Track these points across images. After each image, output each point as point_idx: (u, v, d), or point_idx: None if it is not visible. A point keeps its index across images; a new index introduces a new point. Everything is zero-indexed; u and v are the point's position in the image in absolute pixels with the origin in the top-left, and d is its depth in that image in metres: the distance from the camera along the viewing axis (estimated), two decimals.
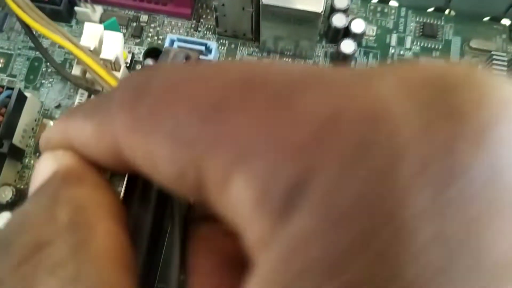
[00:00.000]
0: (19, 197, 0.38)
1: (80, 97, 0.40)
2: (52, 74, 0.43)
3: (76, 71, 0.39)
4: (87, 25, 0.39)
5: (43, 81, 0.43)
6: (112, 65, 0.38)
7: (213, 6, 0.40)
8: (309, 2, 0.36)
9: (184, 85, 0.12)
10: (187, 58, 0.34)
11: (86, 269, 0.12)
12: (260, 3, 0.37)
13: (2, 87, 0.38)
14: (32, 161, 0.41)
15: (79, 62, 0.38)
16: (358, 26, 0.41)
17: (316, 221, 0.09)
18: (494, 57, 0.40)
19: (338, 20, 0.41)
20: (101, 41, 0.38)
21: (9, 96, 0.38)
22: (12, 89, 0.38)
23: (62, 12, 0.43)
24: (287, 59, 0.44)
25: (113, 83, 0.35)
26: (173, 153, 0.11)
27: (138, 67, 0.43)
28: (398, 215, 0.08)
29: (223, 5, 0.39)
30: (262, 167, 0.10)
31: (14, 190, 0.37)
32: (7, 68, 0.44)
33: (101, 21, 0.45)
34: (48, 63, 0.43)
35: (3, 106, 0.37)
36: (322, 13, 0.37)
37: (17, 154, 0.39)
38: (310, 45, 0.42)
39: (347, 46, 0.41)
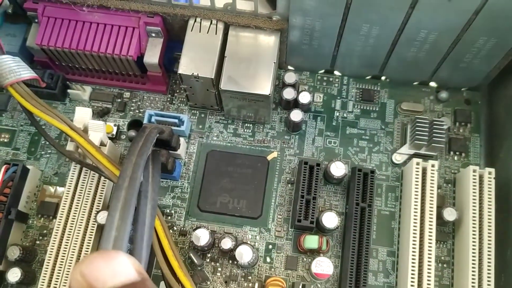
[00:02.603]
0: (25, 254, 0.45)
1: (74, 167, 0.47)
2: (50, 146, 0.51)
3: (70, 147, 0.47)
4: (78, 109, 0.47)
5: (42, 153, 0.51)
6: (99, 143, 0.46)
7: (182, 88, 0.48)
8: (259, 86, 0.44)
9: None
10: (161, 132, 0.42)
11: None
12: (219, 88, 0.45)
13: (9, 163, 0.46)
14: (35, 222, 0.48)
15: (73, 140, 0.46)
16: (304, 97, 0.49)
17: None
18: (417, 121, 0.48)
19: (288, 94, 0.49)
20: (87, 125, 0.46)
21: (15, 171, 0.46)
22: (17, 164, 0.46)
23: (57, 94, 0.51)
24: (249, 125, 0.51)
25: (101, 158, 0.42)
26: None
27: (123, 137, 0.51)
28: None
29: (190, 87, 0.47)
30: None
31: (21, 248, 0.45)
32: (12, 142, 0.51)
33: (90, 99, 0.53)
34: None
35: (10, 180, 0.45)
36: (271, 95, 0.45)
37: (22, 217, 0.47)
38: (267, 112, 0.50)
39: (296, 115, 0.49)
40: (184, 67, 0.45)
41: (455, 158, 0.50)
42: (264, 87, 0.44)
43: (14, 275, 0.44)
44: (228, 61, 0.45)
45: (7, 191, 0.45)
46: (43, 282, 0.43)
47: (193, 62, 0.45)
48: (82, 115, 0.47)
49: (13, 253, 0.45)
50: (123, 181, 0.34)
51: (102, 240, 0.29)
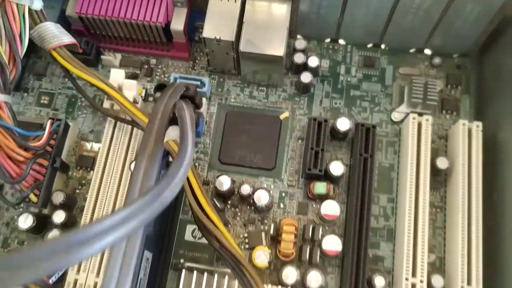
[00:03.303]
0: (68, 200, 0.51)
1: (108, 124, 0.53)
2: (86, 107, 0.57)
3: (106, 104, 0.52)
4: (112, 71, 0.53)
5: (79, 113, 0.57)
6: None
7: (205, 52, 0.54)
8: (273, 48, 0.50)
9: None
10: (187, 88, 0.48)
11: None
12: (239, 50, 0.51)
13: (53, 119, 0.51)
14: (74, 173, 0.54)
15: (108, 98, 0.52)
16: (313, 61, 0.55)
17: None
18: (413, 81, 0.54)
19: (298, 58, 0.55)
20: (122, 83, 0.52)
21: (58, 125, 0.52)
22: (60, 120, 0.52)
23: (91, 60, 0.57)
24: (263, 88, 0.57)
25: (136, 112, 0.48)
26: None
27: (150, 99, 0.57)
28: None
29: (212, 51, 0.53)
30: None
31: (64, 194, 0.51)
32: (51, 104, 0.57)
33: (120, 65, 0.59)
34: (83, 99, 0.57)
35: (54, 133, 0.51)
36: (283, 56, 0.51)
37: (64, 168, 0.53)
38: (279, 76, 0.56)
39: (305, 77, 0.54)
40: (208, 31, 0.50)
41: (447, 116, 0.56)
42: (278, 49, 0.50)
43: (59, 216, 0.50)
44: (246, 27, 0.51)
45: (52, 142, 0.51)
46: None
47: (215, 27, 0.51)
48: (116, 76, 0.52)
49: (58, 197, 0.51)
50: (155, 117, 0.40)
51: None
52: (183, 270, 0.45)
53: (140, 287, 0.43)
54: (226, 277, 0.45)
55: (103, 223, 0.25)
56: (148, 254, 0.45)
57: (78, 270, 0.46)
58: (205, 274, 0.44)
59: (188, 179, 0.46)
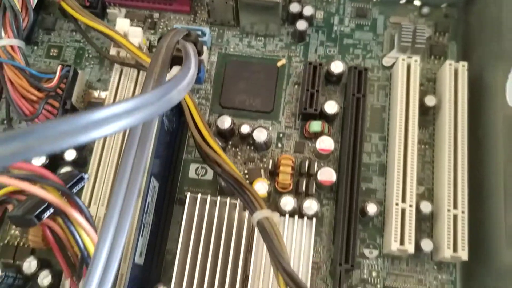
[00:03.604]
0: None
1: (115, 72, 0.56)
2: (93, 58, 0.60)
3: (112, 52, 0.56)
4: (118, 20, 0.56)
5: (86, 63, 0.60)
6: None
7: (205, 2, 0.57)
8: None
9: None
10: (189, 34, 0.51)
11: None
12: None
13: (63, 65, 0.55)
14: None
15: (115, 45, 0.55)
16: (308, 10, 0.58)
17: None
18: (403, 27, 0.57)
19: (294, 7, 0.58)
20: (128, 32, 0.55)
21: (68, 71, 0.55)
22: (70, 66, 0.55)
23: (98, 13, 0.60)
24: (261, 38, 0.60)
25: (142, 55, 0.51)
26: None
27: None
28: None
29: (212, 1, 0.56)
30: None
31: None
32: (60, 56, 0.61)
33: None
34: (90, 51, 0.60)
35: (64, 77, 0.54)
36: (280, 2, 0.54)
37: (74, 111, 0.56)
38: (276, 26, 0.59)
39: (301, 25, 0.58)
40: None
41: (435, 62, 0.59)
42: None
43: (70, 154, 0.53)
44: None
45: (62, 86, 0.54)
46: (93, 166, 0.52)
47: None
48: (122, 24, 0.55)
49: (69, 154, 0.54)
50: (159, 50, 0.43)
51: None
52: (188, 194, 0.48)
53: (148, 211, 0.46)
54: (227, 205, 0.48)
55: (119, 105, 0.28)
56: (155, 183, 0.48)
57: (89, 203, 0.49)
58: (209, 196, 0.48)
59: (190, 112, 0.50)
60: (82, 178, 0.42)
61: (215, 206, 0.49)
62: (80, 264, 0.43)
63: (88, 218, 0.37)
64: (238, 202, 0.48)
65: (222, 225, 0.47)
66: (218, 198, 0.48)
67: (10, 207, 0.45)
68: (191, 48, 0.43)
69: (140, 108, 0.30)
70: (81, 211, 0.37)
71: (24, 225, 0.42)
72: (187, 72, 0.36)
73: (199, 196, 0.48)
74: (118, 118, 0.28)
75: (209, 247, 0.46)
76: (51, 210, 0.40)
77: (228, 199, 0.48)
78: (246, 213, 0.48)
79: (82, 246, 0.37)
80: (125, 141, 0.52)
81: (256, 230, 0.47)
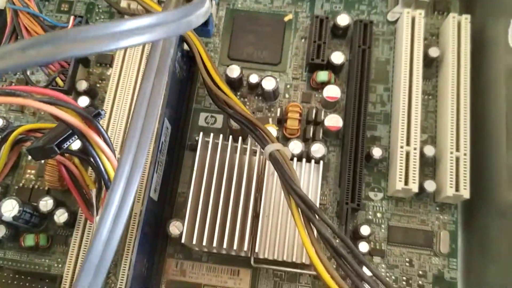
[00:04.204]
0: (90, 88, 0.56)
1: None
2: (103, 13, 0.62)
3: (123, 4, 0.57)
4: None
5: (97, 18, 0.61)
6: None
7: None
8: None
9: None
10: None
11: None
12: None
13: (75, 16, 0.56)
14: (94, 70, 0.59)
15: None
16: None
17: None
18: None
19: None
20: None
21: (80, 22, 0.56)
22: (82, 17, 0.56)
23: None
24: None
25: (153, 5, 0.53)
26: None
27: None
28: None
29: None
30: None
31: (88, 83, 0.55)
32: (71, 10, 0.62)
33: None
34: (100, 6, 0.61)
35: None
36: None
37: (86, 62, 0.57)
38: None
39: None
40: None
41: (439, 17, 0.61)
42: None
43: (83, 101, 0.54)
44: None
45: None
46: (104, 116, 0.54)
47: None
48: None
49: (82, 85, 0.55)
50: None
51: None
52: (200, 134, 0.49)
53: (161, 150, 0.48)
54: (238, 150, 0.50)
55: (140, 18, 0.30)
56: (168, 124, 0.49)
57: None
58: (220, 138, 0.49)
59: (201, 58, 0.51)
60: (99, 113, 0.44)
61: (225, 150, 0.50)
62: (97, 196, 0.45)
63: (109, 143, 0.39)
64: (248, 146, 0.50)
65: (233, 167, 0.49)
66: (230, 141, 0.49)
67: (27, 144, 0.47)
68: None
69: (162, 24, 0.31)
70: (101, 136, 0.38)
71: (45, 156, 0.43)
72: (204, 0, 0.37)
73: (211, 137, 0.49)
74: (142, 30, 0.29)
75: (221, 187, 0.48)
76: (72, 140, 0.41)
77: (240, 142, 0.49)
78: (256, 157, 0.50)
79: (102, 169, 0.38)
80: (143, 67, 0.54)
81: (266, 171, 0.49)
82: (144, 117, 0.34)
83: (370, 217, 0.52)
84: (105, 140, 0.38)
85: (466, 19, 0.55)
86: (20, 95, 0.38)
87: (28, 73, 0.56)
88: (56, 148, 0.40)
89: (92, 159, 0.38)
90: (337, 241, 0.39)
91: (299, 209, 0.38)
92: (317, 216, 0.37)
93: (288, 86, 0.58)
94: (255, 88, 0.57)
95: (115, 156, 0.39)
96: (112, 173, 0.38)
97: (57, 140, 0.40)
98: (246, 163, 0.49)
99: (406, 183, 0.50)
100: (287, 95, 0.57)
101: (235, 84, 0.56)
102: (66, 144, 0.41)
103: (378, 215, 0.53)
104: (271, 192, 0.49)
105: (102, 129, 0.38)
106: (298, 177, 0.49)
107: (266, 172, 0.49)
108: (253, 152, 0.51)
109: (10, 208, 0.47)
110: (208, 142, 0.50)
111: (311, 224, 0.38)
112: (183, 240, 0.45)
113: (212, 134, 0.49)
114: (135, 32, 0.29)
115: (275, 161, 0.42)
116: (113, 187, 0.30)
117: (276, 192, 0.49)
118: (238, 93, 0.57)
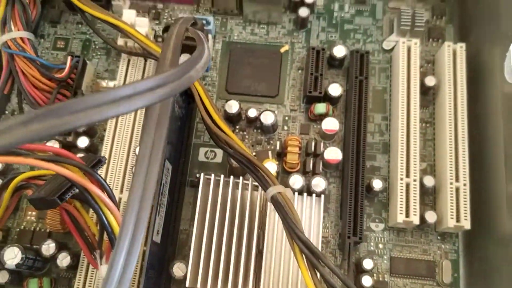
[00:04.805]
0: (89, 128, 0.56)
1: (123, 61, 0.58)
2: (99, 49, 0.62)
3: (120, 42, 0.57)
4: (124, 11, 0.57)
5: (93, 54, 0.61)
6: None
7: None
8: None
9: None
10: (194, 23, 0.52)
11: None
12: None
13: (72, 55, 0.56)
14: None
15: (122, 35, 0.57)
16: None
17: None
18: (402, 11, 0.59)
19: None
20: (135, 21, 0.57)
21: (77, 61, 0.56)
22: (79, 56, 0.56)
23: (103, 5, 0.61)
24: (264, 26, 0.62)
25: (151, 44, 0.53)
26: None
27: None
28: None
29: None
30: None
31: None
32: (67, 47, 0.62)
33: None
34: (96, 42, 0.61)
35: (74, 67, 0.56)
36: None
37: None
38: (278, 14, 0.61)
39: (303, 11, 0.59)
40: None
41: (434, 44, 0.61)
42: None
43: (83, 142, 0.54)
44: None
45: (73, 76, 0.55)
46: (105, 151, 0.54)
47: None
48: (128, 15, 0.57)
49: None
50: (170, 37, 0.45)
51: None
52: (202, 175, 0.49)
53: (163, 192, 0.48)
54: (240, 186, 0.50)
55: (140, 83, 0.30)
56: (168, 165, 0.50)
57: None
58: (222, 177, 0.49)
59: (200, 96, 0.51)
60: (100, 161, 0.44)
61: (227, 186, 0.50)
62: (99, 242, 0.45)
63: (110, 195, 0.39)
64: (250, 182, 0.50)
65: (235, 204, 0.49)
66: (231, 178, 0.50)
67: (29, 192, 0.47)
68: (201, 33, 0.45)
69: (162, 85, 0.31)
70: (103, 189, 0.38)
71: (46, 207, 0.43)
72: (202, 52, 0.37)
73: (212, 176, 0.49)
74: (142, 95, 0.30)
75: (224, 225, 0.48)
76: (73, 191, 0.41)
77: (241, 179, 0.50)
78: (258, 192, 0.50)
79: (105, 221, 0.38)
80: (143, 122, 0.54)
81: (268, 207, 0.49)
82: (146, 174, 0.34)
83: (372, 248, 0.53)
84: (107, 193, 0.39)
85: (461, 47, 0.56)
86: (20, 154, 0.38)
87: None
88: (58, 200, 0.40)
89: (95, 212, 0.38)
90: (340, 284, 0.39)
91: (303, 254, 0.38)
92: (321, 262, 0.38)
93: (287, 118, 0.58)
94: (254, 122, 0.57)
95: (118, 208, 0.39)
96: (114, 224, 0.39)
97: (59, 191, 0.40)
98: (248, 199, 0.49)
99: (407, 215, 0.50)
100: (285, 127, 0.58)
101: (233, 119, 0.57)
102: (68, 195, 0.41)
103: (380, 245, 0.53)
104: (273, 228, 0.49)
105: (104, 182, 0.39)
106: (300, 214, 0.50)
107: (268, 208, 0.49)
108: (255, 187, 0.51)
109: (13, 255, 0.47)
110: (209, 179, 0.50)
111: (315, 270, 0.38)
112: (187, 284, 0.45)
113: (213, 175, 0.49)
114: (136, 97, 0.29)
115: (277, 204, 0.42)
116: (117, 249, 0.30)
117: (279, 229, 0.49)
118: (237, 127, 0.57)
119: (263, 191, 0.50)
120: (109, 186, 0.39)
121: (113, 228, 0.39)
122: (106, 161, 0.49)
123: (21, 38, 0.53)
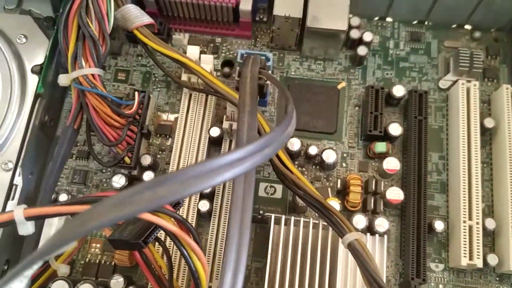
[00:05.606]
0: (154, 162, 0.57)
1: (184, 96, 0.59)
2: (160, 82, 0.63)
3: (184, 77, 0.58)
4: (189, 47, 0.58)
5: (154, 87, 0.63)
6: None
7: (271, 29, 0.60)
8: (337, 23, 0.56)
9: None
10: (260, 61, 0.53)
11: None
12: (306, 26, 0.57)
13: (139, 91, 0.57)
14: (154, 140, 0.60)
15: (186, 71, 0.58)
16: (367, 36, 0.61)
17: None
18: (460, 51, 0.60)
19: (354, 34, 0.61)
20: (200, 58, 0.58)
21: (143, 97, 0.57)
22: (144, 91, 0.57)
23: (164, 39, 0.62)
24: (320, 61, 0.63)
25: (217, 82, 0.54)
26: None
27: (218, 73, 0.63)
28: None
29: (278, 28, 0.59)
30: None
31: (152, 157, 0.56)
32: (127, 79, 0.63)
33: (188, 44, 0.64)
34: (156, 75, 0.63)
35: (141, 103, 0.57)
36: (346, 30, 0.57)
37: (148, 135, 0.59)
38: (335, 51, 0.62)
39: (362, 50, 0.60)
40: (278, 9, 0.56)
41: (489, 84, 0.62)
42: (342, 24, 0.56)
43: (148, 176, 0.55)
44: (312, 4, 0.57)
45: (139, 111, 0.57)
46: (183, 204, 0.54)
47: (284, 6, 0.57)
48: (193, 52, 0.58)
49: (146, 159, 0.56)
50: (245, 80, 0.46)
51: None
52: (272, 216, 0.50)
53: None
54: (311, 225, 0.51)
55: (226, 157, 0.29)
56: None
57: None
58: (292, 217, 0.50)
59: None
60: (179, 203, 0.45)
61: (297, 224, 0.51)
62: (169, 280, 0.45)
63: (198, 242, 0.40)
64: (320, 221, 0.51)
65: (306, 243, 0.50)
66: (302, 219, 0.50)
67: (105, 231, 0.48)
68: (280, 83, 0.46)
69: (269, 146, 0.32)
70: (192, 235, 0.39)
71: (128, 248, 0.44)
72: (293, 107, 0.39)
73: (283, 217, 0.50)
74: (252, 156, 0.30)
75: (296, 264, 0.49)
76: (155, 234, 0.42)
77: (311, 220, 0.50)
78: (329, 231, 0.51)
79: (193, 268, 0.39)
80: (205, 135, 0.55)
81: (341, 248, 0.50)
82: (240, 225, 0.35)
83: None
84: (195, 239, 0.39)
85: None
86: None
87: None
88: (143, 244, 0.41)
89: (184, 258, 0.39)
90: None
91: None
92: None
93: (345, 155, 0.59)
94: (313, 158, 0.58)
95: (204, 254, 0.40)
96: (201, 271, 0.39)
97: (144, 235, 0.41)
98: (319, 238, 0.50)
99: (470, 258, 0.51)
100: (344, 164, 0.59)
101: (293, 155, 0.57)
102: (152, 238, 0.42)
103: (440, 286, 0.53)
104: (346, 268, 0.50)
105: (193, 229, 0.40)
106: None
107: (341, 248, 0.50)
108: (324, 226, 0.52)
109: None
110: (279, 218, 0.51)
111: None
112: None
113: (283, 217, 0.50)
114: (248, 159, 0.30)
115: (355, 251, 0.43)
116: None
117: (352, 268, 0.50)
118: (296, 163, 0.58)
119: (333, 231, 0.51)
120: (196, 233, 0.40)
121: (199, 274, 0.40)
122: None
123: (92, 75, 0.54)
